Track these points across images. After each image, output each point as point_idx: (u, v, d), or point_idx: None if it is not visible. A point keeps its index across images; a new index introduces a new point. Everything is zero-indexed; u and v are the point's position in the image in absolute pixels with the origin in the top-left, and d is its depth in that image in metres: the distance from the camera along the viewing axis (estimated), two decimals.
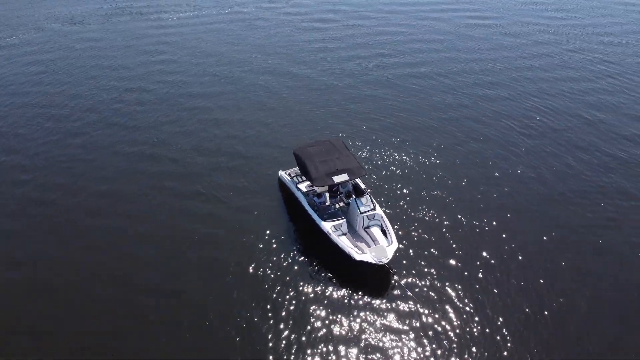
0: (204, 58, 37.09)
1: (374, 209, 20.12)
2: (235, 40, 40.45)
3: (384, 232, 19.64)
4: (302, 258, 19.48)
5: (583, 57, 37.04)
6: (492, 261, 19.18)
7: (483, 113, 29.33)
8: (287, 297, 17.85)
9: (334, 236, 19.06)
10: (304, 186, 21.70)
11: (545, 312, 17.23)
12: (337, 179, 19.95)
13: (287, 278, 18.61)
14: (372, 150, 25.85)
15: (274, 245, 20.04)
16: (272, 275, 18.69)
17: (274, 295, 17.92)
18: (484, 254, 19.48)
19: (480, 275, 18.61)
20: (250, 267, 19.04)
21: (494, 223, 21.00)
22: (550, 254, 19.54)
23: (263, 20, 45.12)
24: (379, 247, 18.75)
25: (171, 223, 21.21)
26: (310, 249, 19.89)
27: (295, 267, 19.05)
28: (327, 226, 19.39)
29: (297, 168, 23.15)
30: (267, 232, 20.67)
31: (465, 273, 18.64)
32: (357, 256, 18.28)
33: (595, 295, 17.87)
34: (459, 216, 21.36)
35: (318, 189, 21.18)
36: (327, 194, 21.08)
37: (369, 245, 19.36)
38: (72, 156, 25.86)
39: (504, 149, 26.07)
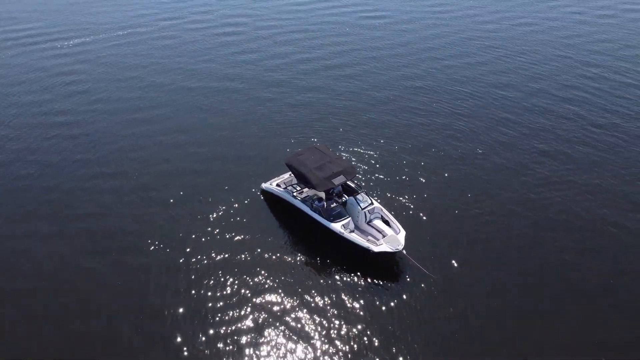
0: (117, 83, 35.84)
1: (372, 203, 21.75)
2: (147, 62, 39.29)
3: (386, 223, 21.37)
4: (315, 261, 20.50)
5: (475, 42, 41.99)
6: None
7: (409, 103, 32.15)
8: (322, 301, 18.84)
9: (347, 234, 20.32)
10: (297, 193, 22.62)
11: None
12: (337, 181, 21.23)
13: (310, 282, 19.60)
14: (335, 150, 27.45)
15: (284, 257, 20.78)
16: (298, 283, 19.56)
17: (308, 301, 18.84)
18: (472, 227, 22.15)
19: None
20: (275, 281, 19.69)
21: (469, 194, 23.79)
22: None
23: (168, 38, 44.21)
24: (390, 237, 20.37)
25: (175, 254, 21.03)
26: (320, 251, 20.88)
27: (312, 271, 20.09)
28: (337, 227, 20.57)
29: (284, 177, 24.11)
30: (271, 245, 21.34)
31: (474, 248, 21.01)
32: (375, 248, 19.72)
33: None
34: (447, 196, 23.82)
35: (318, 194, 22.23)
36: (323, 197, 22.22)
37: (377, 238, 20.89)
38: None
39: (440, 132, 29.10)
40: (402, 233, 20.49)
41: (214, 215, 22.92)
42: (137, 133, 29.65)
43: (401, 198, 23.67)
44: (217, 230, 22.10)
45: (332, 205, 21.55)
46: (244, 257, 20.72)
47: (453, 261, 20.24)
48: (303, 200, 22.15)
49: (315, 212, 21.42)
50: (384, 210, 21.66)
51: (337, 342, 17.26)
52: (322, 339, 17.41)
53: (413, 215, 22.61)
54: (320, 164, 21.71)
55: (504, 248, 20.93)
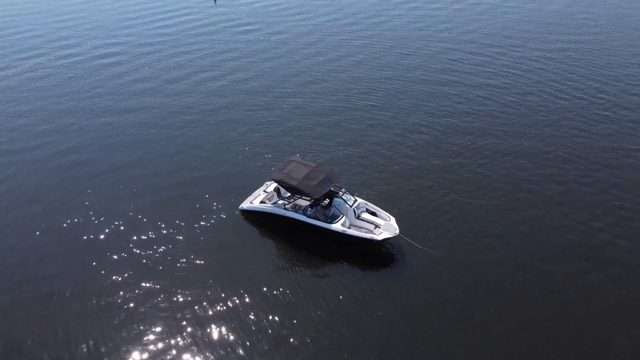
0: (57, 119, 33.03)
1: (356, 199, 24.18)
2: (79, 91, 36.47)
3: (372, 214, 23.97)
4: (317, 262, 22.32)
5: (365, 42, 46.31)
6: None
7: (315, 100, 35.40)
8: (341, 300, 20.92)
9: (349, 231, 22.52)
10: (290, 205, 24.06)
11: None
12: (327, 186, 23.21)
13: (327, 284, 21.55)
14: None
15: (288, 265, 22.32)
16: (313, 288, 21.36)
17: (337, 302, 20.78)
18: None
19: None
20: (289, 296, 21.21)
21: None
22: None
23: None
24: (385, 225, 22.97)
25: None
26: (319, 253, 22.70)
27: (318, 272, 21.98)
28: (338, 227, 22.59)
29: (259, 195, 25.31)
30: (271, 257, 22.74)
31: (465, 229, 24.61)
32: (378, 237, 22.17)
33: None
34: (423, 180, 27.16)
35: (302, 202, 23.90)
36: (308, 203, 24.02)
37: (369, 229, 23.35)
38: None
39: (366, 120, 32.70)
40: (392, 219, 23.28)
41: (202, 244, 23.42)
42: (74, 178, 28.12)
43: (376, 188, 26.46)
44: (215, 257, 22.72)
45: (324, 209, 23.51)
46: (251, 273, 21.80)
47: (439, 234, 23.63)
48: (295, 211, 23.70)
49: (312, 218, 23.15)
50: (368, 203, 24.24)
51: (367, 331, 19.55)
52: (351, 330, 19.54)
53: (391, 202, 25.51)
54: (306, 174, 23.42)
55: (471, 219, 24.96)
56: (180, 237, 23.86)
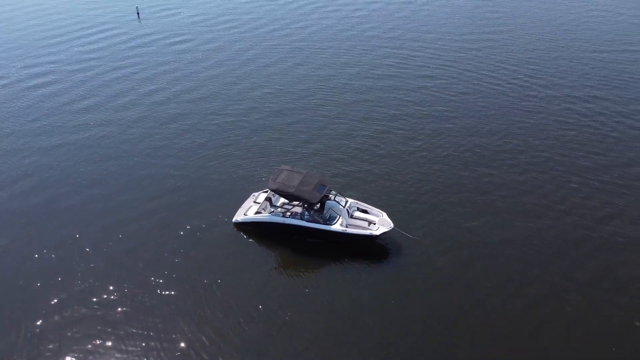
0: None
1: (347, 200, 25.69)
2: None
3: (363, 212, 25.62)
4: (320, 263, 23.74)
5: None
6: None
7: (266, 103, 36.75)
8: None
9: (349, 230, 24.00)
10: (289, 214, 25.01)
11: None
12: (322, 190, 24.50)
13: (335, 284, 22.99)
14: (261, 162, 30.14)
15: (292, 270, 23.55)
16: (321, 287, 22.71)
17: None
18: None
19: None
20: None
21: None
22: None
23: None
24: (379, 220, 24.75)
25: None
26: (319, 255, 24.09)
27: (323, 272, 23.41)
28: (338, 227, 24.01)
29: (251, 206, 26.07)
30: (274, 264, 23.83)
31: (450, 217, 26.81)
32: (376, 232, 23.89)
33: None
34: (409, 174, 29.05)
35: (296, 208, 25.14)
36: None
37: (363, 226, 24.98)
38: None
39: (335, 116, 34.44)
40: (384, 214, 25.10)
41: (203, 262, 23.87)
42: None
43: (359, 188, 28.10)
44: (220, 273, 23.32)
45: (320, 213, 24.80)
46: (259, 283, 22.74)
47: (424, 223, 25.80)
48: (293, 217, 24.74)
49: (312, 222, 24.34)
50: (359, 202, 25.87)
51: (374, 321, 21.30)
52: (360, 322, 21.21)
53: (377, 199, 27.29)
54: (300, 180, 24.56)
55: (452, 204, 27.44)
56: (179, 260, 23.99)
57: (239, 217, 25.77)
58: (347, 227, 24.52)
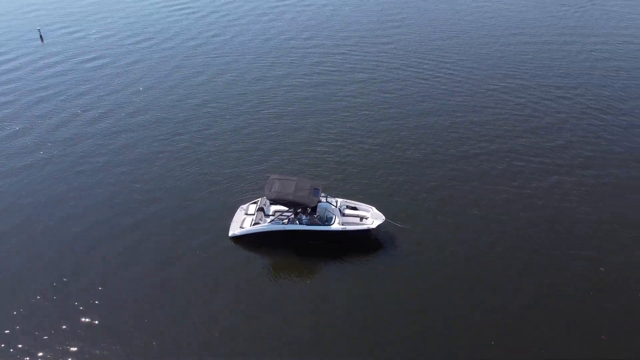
0: None
1: (337, 200, 27.20)
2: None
3: (352, 209, 27.28)
4: (321, 264, 25.08)
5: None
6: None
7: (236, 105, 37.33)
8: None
9: (348, 227, 25.54)
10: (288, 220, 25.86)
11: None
12: (317, 193, 25.76)
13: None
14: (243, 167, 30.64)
15: (298, 274, 24.74)
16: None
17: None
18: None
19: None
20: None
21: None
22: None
23: None
24: (372, 214, 26.57)
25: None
26: (317, 257, 25.38)
27: (326, 271, 24.89)
28: (337, 226, 25.44)
29: (244, 218, 26.69)
30: (277, 271, 24.88)
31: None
32: (373, 226, 25.69)
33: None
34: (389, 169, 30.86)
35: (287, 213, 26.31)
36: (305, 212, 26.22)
37: (356, 223, 26.62)
38: None
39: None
40: (374, 208, 26.97)
41: (212, 281, 24.19)
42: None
43: (341, 188, 29.64)
44: (228, 290, 23.81)
45: (314, 214, 26.05)
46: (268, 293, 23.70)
47: (411, 214, 28.06)
48: (292, 223, 25.72)
49: (312, 225, 25.51)
50: (347, 200, 27.49)
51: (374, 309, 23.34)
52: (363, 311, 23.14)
53: (360, 195, 29.04)
54: (295, 187, 25.61)
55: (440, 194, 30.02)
56: (187, 284, 23.97)
57: (235, 230, 26.15)
58: (343, 225, 26.03)
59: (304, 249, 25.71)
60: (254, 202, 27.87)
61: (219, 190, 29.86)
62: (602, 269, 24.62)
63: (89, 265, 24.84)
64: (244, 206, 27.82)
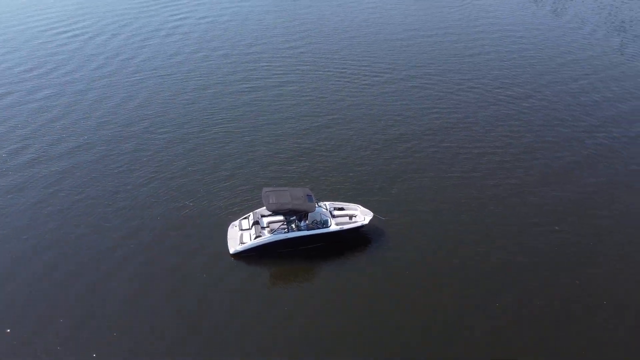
0: None
1: (325, 203, 28.68)
2: None
3: (339, 209, 28.96)
4: (321, 265, 26.63)
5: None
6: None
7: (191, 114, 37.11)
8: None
9: (345, 226, 27.16)
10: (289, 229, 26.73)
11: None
12: (311, 199, 27.03)
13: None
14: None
15: (303, 277, 26.05)
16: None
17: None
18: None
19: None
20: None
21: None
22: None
23: None
24: (360, 211, 28.45)
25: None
26: (322, 262, 26.75)
27: (327, 271, 26.57)
28: (335, 227, 26.92)
29: (240, 234, 27.23)
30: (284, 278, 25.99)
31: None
32: (365, 221, 27.57)
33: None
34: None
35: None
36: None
37: (345, 222, 28.29)
38: None
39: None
40: (360, 206, 28.88)
41: (226, 301, 24.53)
42: None
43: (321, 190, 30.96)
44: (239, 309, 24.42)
45: (314, 219, 27.38)
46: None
47: (391, 207, 30.34)
48: (292, 231, 26.70)
49: (312, 229, 26.75)
50: (334, 202, 29.10)
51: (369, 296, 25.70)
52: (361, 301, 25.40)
53: (340, 195, 30.70)
54: (290, 196, 26.64)
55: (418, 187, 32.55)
56: (201, 311, 23.89)
57: (237, 247, 26.47)
58: (338, 225, 27.61)
59: (302, 254, 26.83)
60: (245, 218, 28.31)
61: (194, 212, 29.56)
62: (557, 227, 29.12)
63: (96, 307, 23.68)
64: (235, 223, 28.14)
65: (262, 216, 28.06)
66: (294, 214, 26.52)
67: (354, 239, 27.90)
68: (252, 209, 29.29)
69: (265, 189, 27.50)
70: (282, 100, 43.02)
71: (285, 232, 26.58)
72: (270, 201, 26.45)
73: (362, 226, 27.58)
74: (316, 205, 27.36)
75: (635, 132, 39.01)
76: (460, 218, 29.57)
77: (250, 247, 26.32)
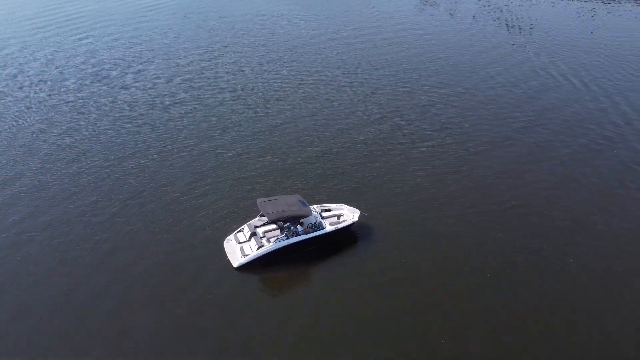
0: None
1: (313, 207, 29.77)
2: None
3: (326, 211, 30.21)
4: (319, 266, 28.02)
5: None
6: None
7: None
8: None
9: (339, 225, 28.41)
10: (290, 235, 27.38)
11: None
12: (305, 204, 28.03)
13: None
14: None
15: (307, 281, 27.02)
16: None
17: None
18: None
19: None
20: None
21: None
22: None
23: None
24: (347, 210, 29.89)
25: None
26: (322, 260, 27.97)
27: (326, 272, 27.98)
28: (331, 228, 28.10)
29: (239, 248, 27.54)
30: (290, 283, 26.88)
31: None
32: (356, 218, 29.05)
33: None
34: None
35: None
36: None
37: (334, 222, 29.59)
38: None
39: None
40: (345, 205, 30.33)
41: (236, 315, 24.90)
42: None
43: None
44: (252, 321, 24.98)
45: (309, 222, 28.35)
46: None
47: (371, 204, 32.10)
48: (292, 237, 27.46)
49: (310, 232, 27.70)
50: (320, 205, 30.27)
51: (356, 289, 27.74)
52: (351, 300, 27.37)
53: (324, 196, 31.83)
54: (285, 203, 27.45)
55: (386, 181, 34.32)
56: (214, 329, 24.04)
57: (240, 260, 26.65)
58: (332, 225, 28.79)
59: (300, 258, 27.67)
60: (239, 231, 28.53)
61: (178, 235, 29.18)
62: (514, 202, 32.84)
63: (109, 341, 22.79)
64: (230, 237, 28.25)
65: (256, 227, 28.48)
66: (293, 220, 27.33)
67: (346, 237, 29.22)
68: (236, 221, 29.72)
69: (259, 200, 28.00)
70: (219, 113, 43.23)
71: (286, 239, 27.27)
72: (269, 210, 27.03)
73: (353, 223, 29.05)
74: (310, 209, 28.33)
75: (542, 105, 44.65)
76: (430, 207, 32.11)
77: (254, 257, 26.69)
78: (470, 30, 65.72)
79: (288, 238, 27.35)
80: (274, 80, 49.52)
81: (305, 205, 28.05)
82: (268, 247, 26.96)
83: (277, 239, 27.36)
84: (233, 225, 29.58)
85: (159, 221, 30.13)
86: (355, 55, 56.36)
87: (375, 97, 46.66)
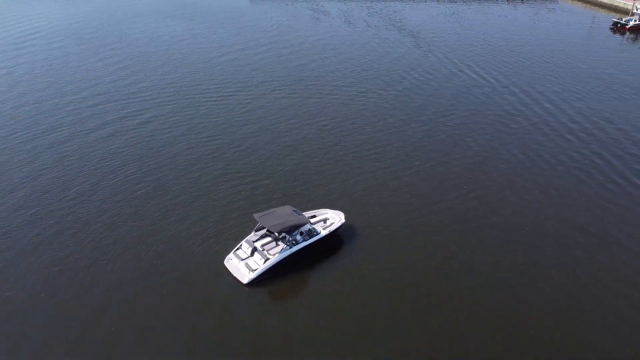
0: None
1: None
2: None
3: (314, 217, 31.36)
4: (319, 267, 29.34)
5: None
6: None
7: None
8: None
9: (331, 228, 29.70)
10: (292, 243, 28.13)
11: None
12: (299, 213, 29.03)
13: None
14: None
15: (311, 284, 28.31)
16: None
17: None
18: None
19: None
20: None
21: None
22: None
23: None
24: (331, 214, 31.23)
25: None
26: (321, 263, 29.06)
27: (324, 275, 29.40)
28: (325, 232, 29.31)
29: (245, 259, 27.93)
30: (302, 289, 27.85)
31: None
32: (343, 220, 30.50)
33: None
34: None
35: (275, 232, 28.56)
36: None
37: (325, 224, 30.91)
38: None
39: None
40: (329, 210, 31.68)
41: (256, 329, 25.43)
42: None
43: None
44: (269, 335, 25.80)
45: (305, 229, 29.32)
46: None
47: (355, 208, 33.59)
48: (294, 245, 28.25)
49: (308, 239, 28.74)
50: (305, 212, 31.37)
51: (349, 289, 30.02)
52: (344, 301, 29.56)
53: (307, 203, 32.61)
54: (284, 215, 28.21)
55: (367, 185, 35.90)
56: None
57: (250, 275, 26.79)
58: (324, 229, 30.00)
59: (298, 264, 28.54)
60: (238, 248, 28.58)
61: (175, 261, 28.59)
62: (465, 187, 36.71)
63: None
64: (230, 256, 28.20)
65: (254, 241, 28.83)
66: (295, 229, 28.23)
67: (336, 241, 30.55)
68: (226, 238, 30.02)
69: (256, 215, 28.47)
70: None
71: (289, 248, 28.08)
72: (272, 223, 27.64)
73: (342, 225, 30.63)
74: (306, 217, 29.37)
75: (451, 95, 50.02)
76: (397, 208, 34.69)
77: (263, 270, 27.03)
78: (368, 36, 70.29)
79: (291, 247, 28.16)
80: (190, 103, 49.00)
81: (299, 213, 29.05)
82: (274, 258, 27.50)
83: (282, 249, 28.02)
84: (222, 244, 29.43)
85: (147, 253, 29.03)
86: (274, 67, 57.76)
87: (308, 108, 48.46)
